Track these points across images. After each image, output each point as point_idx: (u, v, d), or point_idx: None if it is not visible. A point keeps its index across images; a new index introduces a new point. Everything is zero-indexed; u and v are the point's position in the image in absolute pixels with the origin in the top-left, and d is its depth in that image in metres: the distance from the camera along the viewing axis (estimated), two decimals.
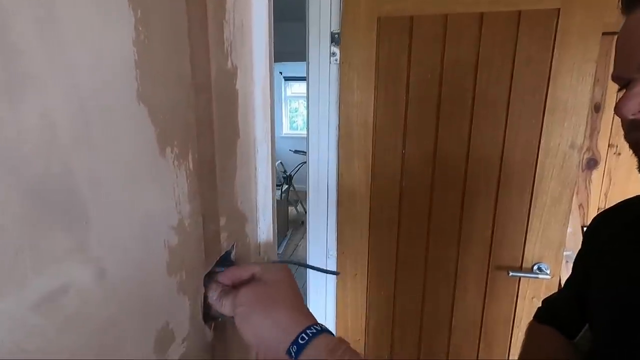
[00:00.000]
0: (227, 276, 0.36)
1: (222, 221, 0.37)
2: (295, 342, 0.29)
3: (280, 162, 4.74)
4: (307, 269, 0.42)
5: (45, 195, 0.17)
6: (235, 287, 0.34)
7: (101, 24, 0.20)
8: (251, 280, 0.35)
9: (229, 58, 0.36)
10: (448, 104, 1.14)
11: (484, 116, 1.12)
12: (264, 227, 0.47)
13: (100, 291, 0.21)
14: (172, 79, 0.27)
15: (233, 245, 0.40)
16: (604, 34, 1.03)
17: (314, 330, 0.30)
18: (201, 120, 0.32)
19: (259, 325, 0.30)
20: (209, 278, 0.35)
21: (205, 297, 0.35)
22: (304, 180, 1.39)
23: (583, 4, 0.99)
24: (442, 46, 1.12)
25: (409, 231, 1.26)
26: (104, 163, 0.21)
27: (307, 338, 0.29)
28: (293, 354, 0.29)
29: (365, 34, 1.16)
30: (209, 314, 0.36)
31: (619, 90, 0.38)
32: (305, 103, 1.31)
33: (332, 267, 1.38)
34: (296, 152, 4.43)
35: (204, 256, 0.34)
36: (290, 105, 6.08)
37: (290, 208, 4.70)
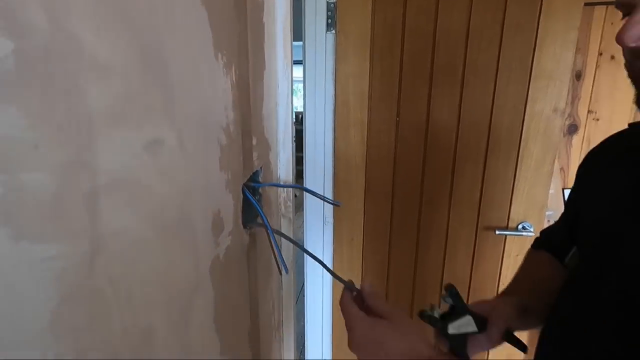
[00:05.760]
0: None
1: (254, 141, 0.41)
2: None
3: None
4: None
5: (152, 65, 0.21)
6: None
7: None
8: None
9: None
10: (440, 72, 1.19)
11: (474, 84, 1.18)
12: (284, 160, 0.52)
13: (181, 156, 0.25)
14: None
15: (261, 168, 0.44)
16: (585, 4, 1.09)
17: None
18: (240, 41, 0.36)
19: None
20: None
21: (245, 205, 0.39)
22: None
23: None
24: (434, 16, 1.16)
25: (402, 196, 1.32)
26: (183, 47, 0.25)
27: None
28: None
29: (361, 5, 1.19)
30: (246, 222, 0.40)
31: (623, 18, 0.37)
32: (300, 87, 1.34)
33: (329, 235, 1.43)
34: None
35: (243, 167, 0.38)
36: None
37: None
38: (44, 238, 0.15)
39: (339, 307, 0.41)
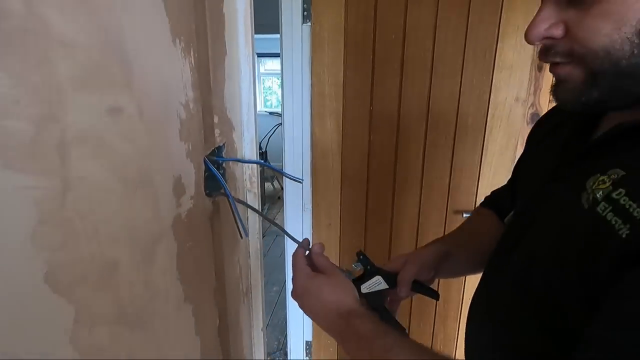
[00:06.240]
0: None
1: (216, 119, 0.46)
2: None
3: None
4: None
5: (111, 44, 0.26)
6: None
7: None
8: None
9: None
10: (410, 63, 1.25)
11: (442, 74, 1.24)
12: (248, 139, 0.57)
13: (141, 124, 0.30)
14: None
15: (224, 144, 0.49)
16: None
17: None
18: (198, 29, 0.41)
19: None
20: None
21: (209, 177, 0.45)
22: (279, 157, 1.47)
23: None
24: (404, 9, 1.22)
25: (376, 182, 1.38)
26: (140, 31, 0.30)
27: None
28: None
29: None
30: (209, 191, 0.45)
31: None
32: (279, 81, 1.38)
33: (308, 220, 1.49)
34: (271, 114, 4.66)
35: (204, 140, 0.43)
36: (264, 84, 6.03)
37: (266, 184, 4.77)
38: (24, 171, 0.20)
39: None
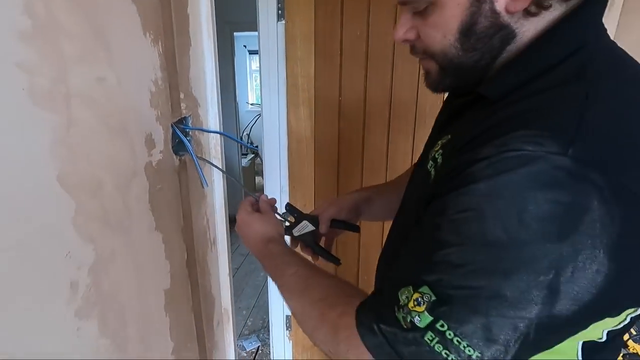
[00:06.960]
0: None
1: (182, 95, 0.60)
2: None
3: (248, 134, 4.89)
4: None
5: (98, 34, 0.40)
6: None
7: None
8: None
9: None
10: (374, 56, 1.39)
11: (402, 67, 1.38)
12: (212, 115, 0.71)
13: (120, 90, 0.44)
14: None
15: (190, 116, 0.63)
16: None
17: None
18: (165, 26, 0.54)
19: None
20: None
21: (175, 139, 0.58)
22: (259, 144, 1.59)
23: None
24: (367, 7, 1.35)
25: (346, 165, 1.52)
26: (118, 26, 0.43)
27: None
28: None
29: None
30: (177, 151, 0.59)
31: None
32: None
33: (285, 200, 1.62)
34: (252, 104, 4.92)
35: (171, 110, 0.57)
36: (256, 81, 6.12)
37: (257, 178, 4.90)
38: (45, 109, 0.34)
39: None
